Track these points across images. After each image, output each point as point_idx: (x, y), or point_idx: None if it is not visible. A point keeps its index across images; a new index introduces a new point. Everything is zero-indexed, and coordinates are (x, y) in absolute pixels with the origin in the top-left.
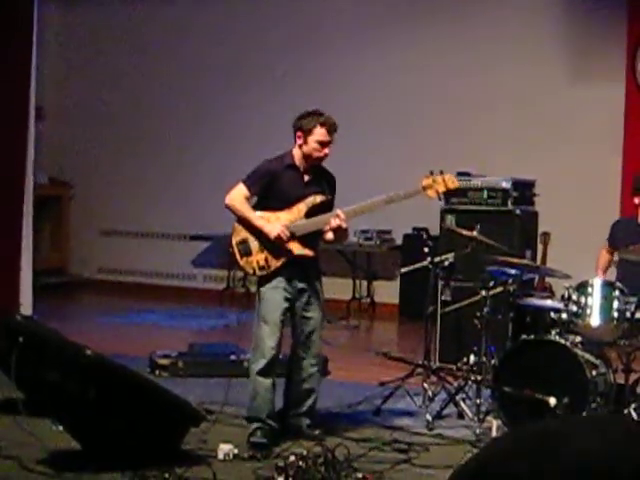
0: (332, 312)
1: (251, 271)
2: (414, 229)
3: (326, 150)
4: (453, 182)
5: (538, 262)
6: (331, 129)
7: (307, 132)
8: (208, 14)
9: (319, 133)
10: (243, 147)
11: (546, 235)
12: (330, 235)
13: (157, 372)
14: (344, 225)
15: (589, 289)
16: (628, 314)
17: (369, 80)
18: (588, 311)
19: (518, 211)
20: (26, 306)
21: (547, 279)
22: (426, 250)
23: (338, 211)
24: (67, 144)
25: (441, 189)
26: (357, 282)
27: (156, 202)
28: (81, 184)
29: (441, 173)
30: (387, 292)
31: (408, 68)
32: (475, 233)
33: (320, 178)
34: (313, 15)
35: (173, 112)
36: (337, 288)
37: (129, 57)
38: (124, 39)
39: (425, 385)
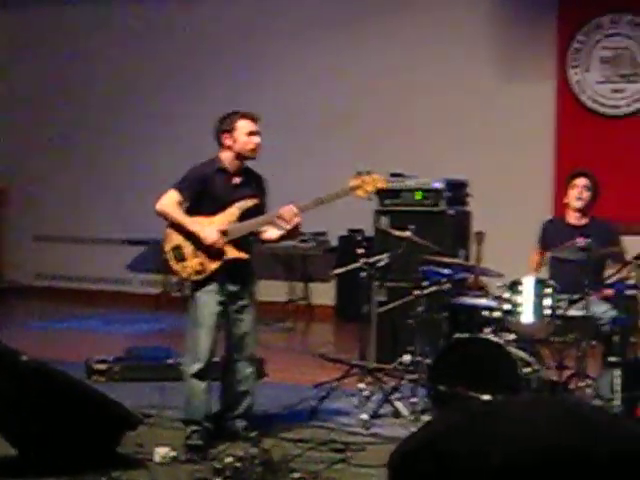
0: (269, 314)
1: (186, 276)
2: (349, 230)
3: (257, 139)
4: (381, 182)
5: (472, 261)
6: (253, 119)
7: (232, 130)
8: (127, 22)
9: (243, 125)
10: (178, 151)
11: (480, 235)
12: (271, 234)
13: (94, 377)
14: (296, 221)
15: (521, 287)
16: (560, 311)
17: (301, 82)
18: (520, 309)
19: (451, 211)
20: None
21: (482, 278)
22: (360, 251)
23: (293, 207)
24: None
25: (370, 189)
26: (293, 284)
27: (91, 207)
28: (15, 189)
29: (368, 173)
30: (323, 294)
31: (340, 69)
32: (408, 234)
33: (251, 180)
34: (247, 20)
35: (108, 118)
36: (273, 290)
37: (61, 63)
38: (56, 44)
39: (361, 385)
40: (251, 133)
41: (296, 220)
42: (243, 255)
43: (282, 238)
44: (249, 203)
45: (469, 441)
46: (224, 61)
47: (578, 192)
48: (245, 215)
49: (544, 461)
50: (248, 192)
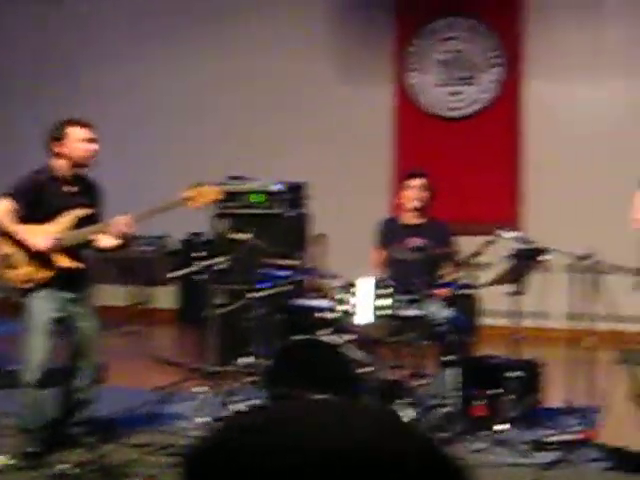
0: (110, 319)
1: (18, 284)
2: (190, 234)
3: (92, 146)
4: (216, 194)
5: (314, 263)
6: (85, 125)
7: (63, 137)
8: None
9: (75, 132)
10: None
11: (321, 237)
12: (106, 243)
13: None
14: (131, 230)
15: (358, 288)
16: (397, 311)
17: (137, 86)
18: (357, 309)
19: (290, 213)
20: None
21: (326, 280)
22: (197, 254)
23: (127, 217)
24: None
25: (204, 201)
26: (135, 288)
27: None
28: None
29: (203, 185)
30: (165, 298)
31: (178, 72)
32: (247, 237)
33: (86, 189)
34: (92, 24)
35: None
36: (115, 294)
37: None
38: None
39: (199, 389)
40: (84, 140)
41: (129, 230)
42: (76, 264)
43: (118, 247)
44: (83, 212)
45: (264, 440)
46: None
47: (414, 193)
48: (80, 224)
49: (336, 460)
50: (83, 201)
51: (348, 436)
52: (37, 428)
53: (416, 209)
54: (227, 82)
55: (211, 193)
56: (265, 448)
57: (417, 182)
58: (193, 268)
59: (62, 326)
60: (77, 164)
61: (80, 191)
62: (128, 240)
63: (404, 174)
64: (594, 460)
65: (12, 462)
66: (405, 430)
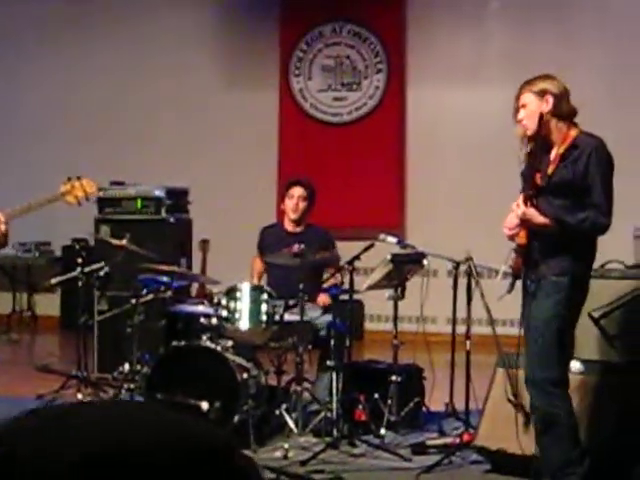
0: None
1: None
2: (73, 240)
3: None
4: (91, 186)
5: (198, 269)
6: None
7: None
8: None
9: None
10: None
11: (205, 242)
12: None
13: None
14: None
15: (238, 294)
16: (277, 317)
17: (24, 90)
18: (237, 315)
19: (172, 219)
20: None
21: (209, 286)
22: (78, 260)
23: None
24: None
25: (80, 194)
26: (17, 295)
27: None
28: None
29: (78, 179)
30: (48, 304)
31: (67, 80)
32: (125, 242)
33: None
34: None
35: None
36: None
37: None
38: None
39: (80, 396)
40: None
41: (2, 227)
42: None
43: None
44: None
45: (37, 441)
46: None
47: (294, 204)
48: None
49: (115, 456)
50: None
51: (124, 432)
52: None
53: (294, 220)
54: (113, 84)
55: (86, 186)
56: (40, 449)
57: (297, 191)
58: (74, 274)
59: None
60: None
61: None
62: (2, 239)
63: (287, 180)
64: (474, 462)
65: None
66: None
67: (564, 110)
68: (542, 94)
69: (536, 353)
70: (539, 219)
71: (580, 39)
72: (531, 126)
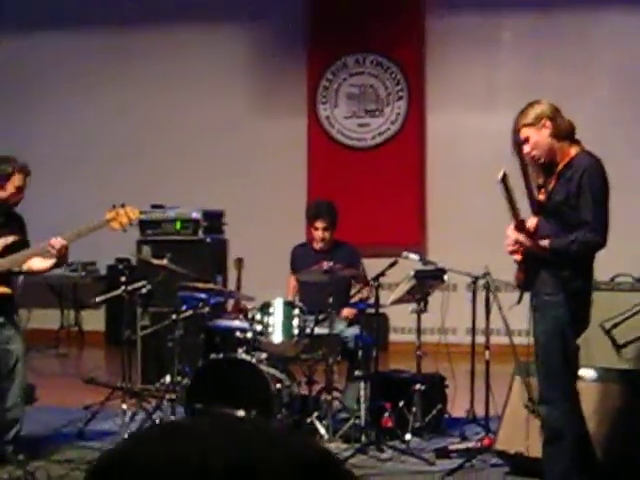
0: (41, 341)
1: None
2: (117, 260)
3: (22, 196)
4: (134, 213)
5: (233, 286)
6: (28, 174)
7: (5, 178)
8: None
9: (18, 179)
10: None
11: (239, 261)
12: (40, 265)
13: None
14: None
15: (271, 309)
16: (308, 330)
17: (83, 120)
18: (271, 329)
19: (208, 239)
20: None
21: (243, 302)
22: (122, 279)
23: (58, 239)
24: None
25: (125, 221)
26: (65, 312)
27: None
28: None
29: (122, 206)
30: (94, 320)
31: (111, 111)
32: (165, 262)
33: (10, 220)
34: (32, 59)
35: None
36: (46, 318)
37: None
38: None
39: (124, 406)
40: (20, 188)
41: (63, 250)
42: (4, 290)
43: (52, 267)
44: (9, 240)
45: (164, 449)
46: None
47: (319, 236)
48: (6, 252)
49: (253, 469)
50: (8, 231)
51: (246, 451)
52: None
53: (321, 249)
54: (153, 114)
55: (130, 213)
56: (168, 456)
57: (320, 224)
58: (117, 292)
59: None
60: (7, 204)
61: (5, 222)
62: (62, 259)
63: (309, 205)
64: (494, 465)
65: None
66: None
67: (562, 128)
68: (538, 121)
69: (542, 372)
70: (529, 244)
71: (584, 68)
72: (540, 155)
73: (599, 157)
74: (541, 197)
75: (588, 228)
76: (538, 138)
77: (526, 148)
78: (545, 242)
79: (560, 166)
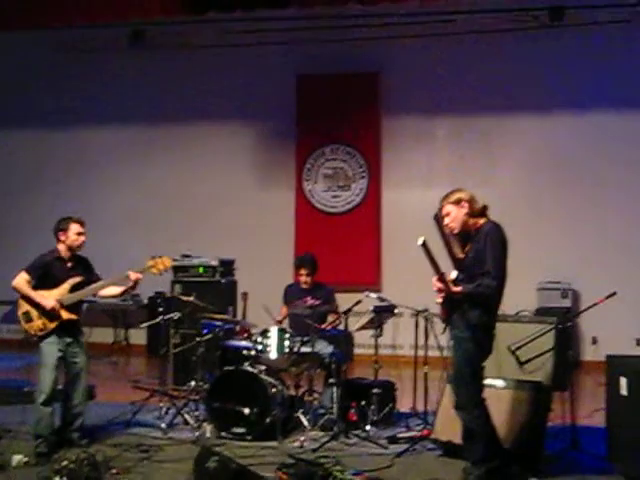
0: (100, 351)
1: (33, 332)
2: (155, 292)
3: (83, 238)
4: (168, 262)
5: (239, 315)
6: (82, 223)
7: (66, 230)
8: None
9: (75, 228)
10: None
11: (245, 295)
12: (111, 291)
13: None
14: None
15: (269, 333)
16: (295, 349)
17: (117, 192)
18: (268, 348)
19: (223, 281)
20: None
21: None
22: (160, 309)
23: (136, 273)
24: None
25: (161, 267)
26: (117, 330)
27: None
28: None
29: (160, 257)
30: (138, 337)
31: (147, 184)
32: (192, 298)
33: (79, 263)
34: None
35: None
36: (103, 335)
37: None
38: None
39: (161, 404)
40: (80, 233)
41: (137, 281)
42: (74, 316)
43: (122, 294)
44: (77, 280)
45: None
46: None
47: (303, 280)
48: (76, 288)
49: None
50: (77, 273)
51: None
52: (45, 434)
53: (306, 288)
54: (180, 184)
55: (165, 262)
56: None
57: (304, 271)
58: (157, 320)
59: (63, 361)
60: (72, 249)
61: (75, 265)
62: (134, 287)
63: (296, 257)
64: (430, 450)
65: (27, 460)
66: None
67: (475, 209)
68: (458, 202)
69: (458, 386)
70: (447, 290)
71: (501, 157)
72: (456, 227)
73: (500, 224)
74: (461, 256)
75: (489, 276)
76: (457, 214)
77: (446, 220)
78: (459, 288)
79: (473, 233)
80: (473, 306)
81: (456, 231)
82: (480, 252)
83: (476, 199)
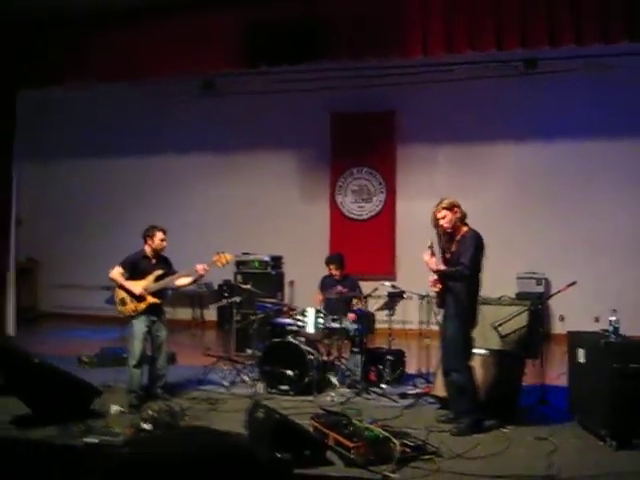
0: (181, 326)
1: (127, 313)
2: (223, 281)
3: (164, 243)
4: (231, 257)
5: (287, 300)
6: (164, 231)
7: (152, 236)
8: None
9: (159, 235)
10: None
11: (291, 283)
12: (183, 281)
13: (82, 365)
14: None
15: (307, 313)
16: (327, 325)
17: (198, 206)
18: (307, 325)
19: (273, 272)
20: (10, 331)
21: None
22: (225, 294)
23: (203, 266)
24: (36, 239)
25: (224, 261)
26: (194, 309)
27: (87, 272)
28: (43, 260)
29: (223, 252)
30: (211, 315)
31: (214, 196)
32: (249, 286)
33: (161, 260)
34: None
35: (105, 220)
36: (184, 313)
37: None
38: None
39: (225, 367)
40: (163, 239)
41: (204, 273)
42: (157, 300)
43: (192, 283)
44: (159, 272)
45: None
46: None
47: (334, 273)
48: (159, 278)
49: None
50: (159, 267)
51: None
52: (136, 390)
53: (337, 279)
54: (242, 204)
55: (228, 257)
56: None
57: (333, 267)
58: (223, 302)
59: (149, 334)
60: (156, 250)
61: (158, 262)
62: (200, 278)
63: (327, 256)
64: (431, 403)
65: (122, 409)
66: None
67: (462, 215)
68: (451, 207)
69: (452, 355)
70: (434, 267)
71: (488, 177)
72: (448, 227)
73: (479, 232)
74: (447, 255)
75: (463, 266)
76: (450, 217)
77: (442, 222)
78: (442, 267)
79: (458, 237)
80: (459, 293)
81: (448, 230)
82: (463, 250)
83: (462, 207)
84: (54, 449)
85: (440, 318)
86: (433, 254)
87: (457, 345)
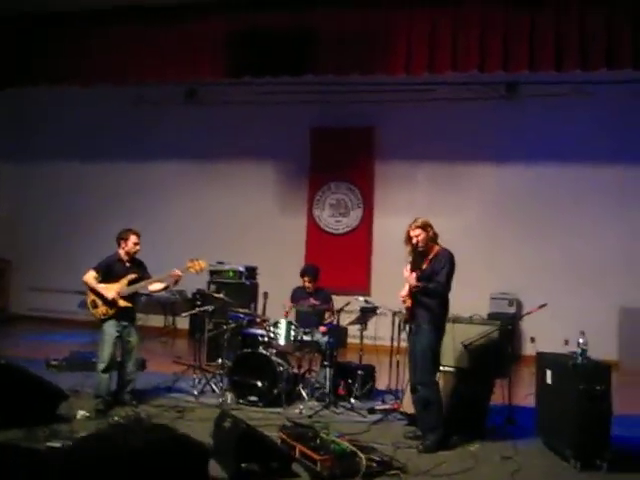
0: (152, 333)
1: (98, 316)
2: (197, 289)
3: (138, 247)
4: (204, 264)
5: (259, 310)
6: (138, 234)
7: (126, 239)
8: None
9: (133, 238)
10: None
11: (266, 294)
12: (157, 287)
13: (50, 369)
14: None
15: (279, 325)
16: (299, 338)
17: (182, 215)
18: (279, 336)
19: (247, 283)
20: None
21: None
22: (198, 303)
23: (177, 271)
24: (12, 240)
25: (198, 268)
26: (166, 317)
27: (62, 276)
28: (17, 262)
29: (197, 259)
30: (182, 323)
31: (192, 208)
32: (222, 295)
33: (135, 264)
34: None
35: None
36: (156, 320)
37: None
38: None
39: (195, 375)
40: (136, 243)
41: (177, 279)
42: (129, 304)
43: (165, 288)
44: (132, 276)
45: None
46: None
47: (307, 286)
48: (132, 282)
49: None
50: (133, 270)
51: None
52: (103, 395)
53: (309, 291)
54: (219, 214)
55: (202, 264)
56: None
57: (306, 278)
58: (195, 311)
59: (120, 339)
60: (130, 254)
61: (132, 266)
62: (174, 285)
63: (302, 267)
64: (399, 419)
65: (88, 415)
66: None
67: (434, 235)
68: (425, 227)
69: (420, 369)
70: (414, 283)
71: (466, 196)
72: (422, 245)
73: (452, 251)
74: (417, 273)
75: (440, 284)
76: (424, 236)
77: (416, 240)
78: (419, 283)
79: (431, 256)
80: (430, 310)
81: (421, 249)
82: (438, 269)
83: (434, 228)
84: (19, 452)
85: (406, 334)
86: (413, 270)
87: (426, 359)
